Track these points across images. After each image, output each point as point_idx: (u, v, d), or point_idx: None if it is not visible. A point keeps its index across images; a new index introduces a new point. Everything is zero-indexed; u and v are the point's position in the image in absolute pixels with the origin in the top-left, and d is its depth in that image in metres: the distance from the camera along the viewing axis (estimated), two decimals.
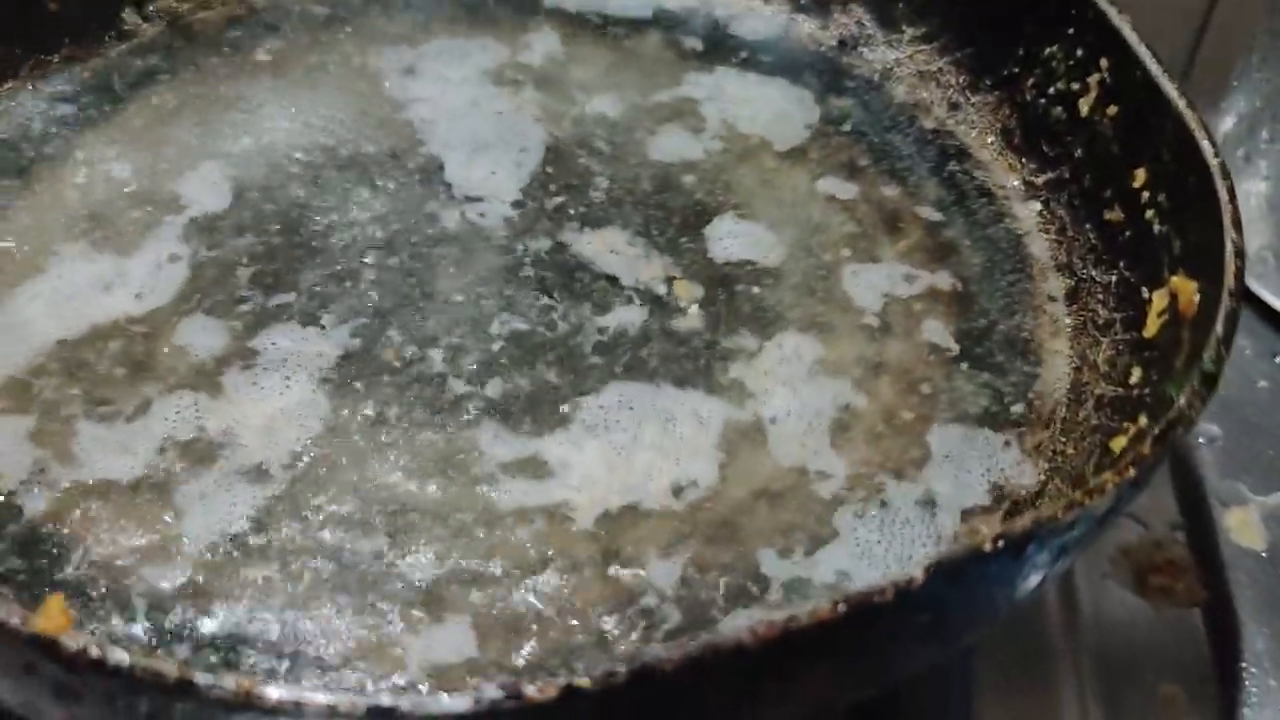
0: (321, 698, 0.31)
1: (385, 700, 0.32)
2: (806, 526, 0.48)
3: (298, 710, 0.32)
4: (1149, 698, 0.56)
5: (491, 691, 0.32)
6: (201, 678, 0.31)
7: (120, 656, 0.32)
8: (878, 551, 0.47)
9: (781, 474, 0.50)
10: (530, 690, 0.32)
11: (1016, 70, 0.65)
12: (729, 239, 0.59)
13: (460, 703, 0.32)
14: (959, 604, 0.37)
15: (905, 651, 0.39)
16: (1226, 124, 0.73)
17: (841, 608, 0.34)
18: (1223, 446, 0.65)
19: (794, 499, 0.49)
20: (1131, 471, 0.39)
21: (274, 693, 0.31)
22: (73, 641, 0.32)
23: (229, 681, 0.31)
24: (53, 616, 0.32)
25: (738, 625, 0.33)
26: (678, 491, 0.49)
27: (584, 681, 0.32)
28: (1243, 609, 0.58)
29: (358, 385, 0.52)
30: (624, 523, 0.48)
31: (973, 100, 0.67)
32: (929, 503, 0.49)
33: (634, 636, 0.44)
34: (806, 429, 0.52)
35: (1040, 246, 0.60)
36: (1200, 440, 0.66)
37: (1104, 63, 0.59)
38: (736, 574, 0.46)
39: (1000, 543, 0.36)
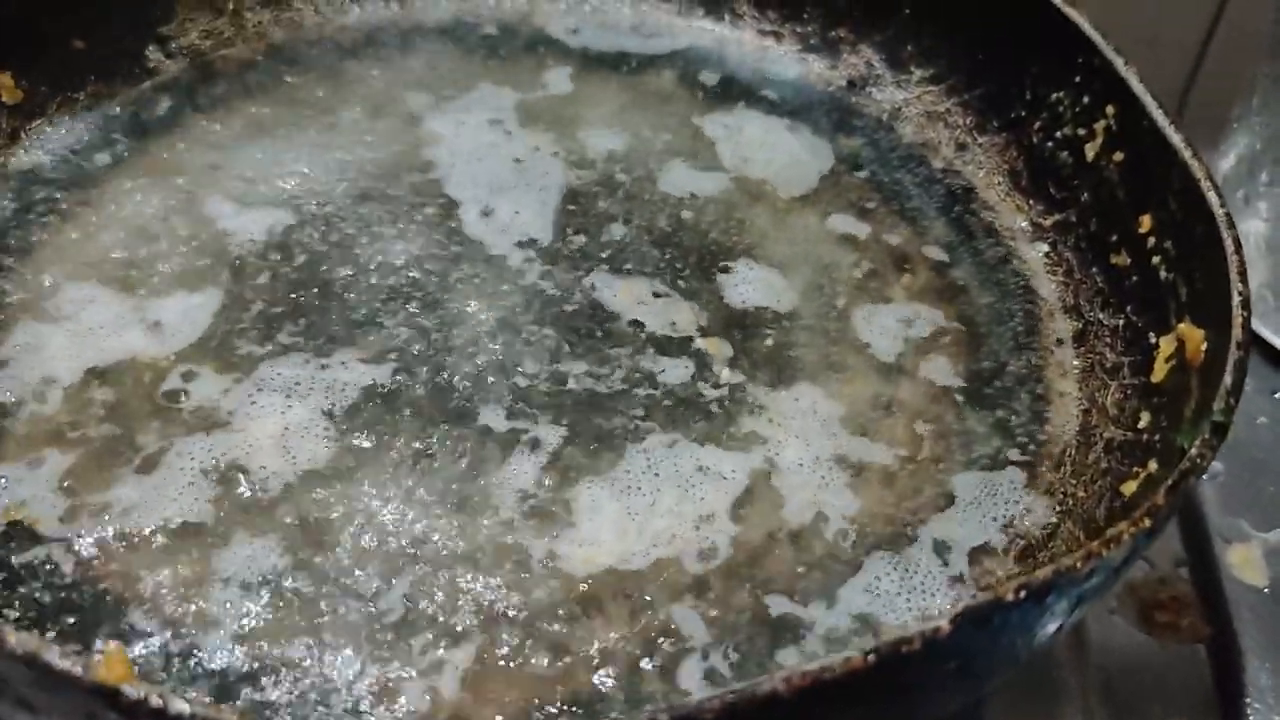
0: None
1: None
2: (826, 570, 0.49)
3: None
4: None
5: None
6: None
7: (181, 706, 0.33)
8: (895, 594, 0.49)
9: (797, 521, 0.51)
10: None
11: (1023, 114, 0.66)
12: (744, 284, 0.61)
13: None
14: (983, 651, 0.38)
15: (932, 697, 0.40)
16: (1225, 165, 0.75)
17: (872, 658, 0.35)
18: (1225, 483, 0.67)
19: (810, 545, 0.50)
20: (1147, 522, 0.40)
21: None
22: (135, 691, 0.33)
23: None
24: (114, 666, 0.33)
25: (773, 675, 0.34)
26: (697, 542, 0.50)
27: None
28: (1246, 645, 0.60)
29: (381, 427, 0.53)
30: (643, 571, 0.49)
31: (980, 141, 0.68)
32: (942, 544, 0.51)
33: (657, 683, 0.45)
34: (820, 475, 0.53)
35: (1048, 288, 0.62)
36: (1203, 478, 0.67)
37: (1110, 110, 0.61)
38: (756, 622, 0.48)
39: (1022, 593, 0.37)
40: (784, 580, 0.49)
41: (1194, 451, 0.42)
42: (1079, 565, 0.38)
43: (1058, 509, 0.52)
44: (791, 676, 0.34)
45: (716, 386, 0.55)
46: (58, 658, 0.33)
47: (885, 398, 0.56)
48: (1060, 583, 0.38)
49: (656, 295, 0.59)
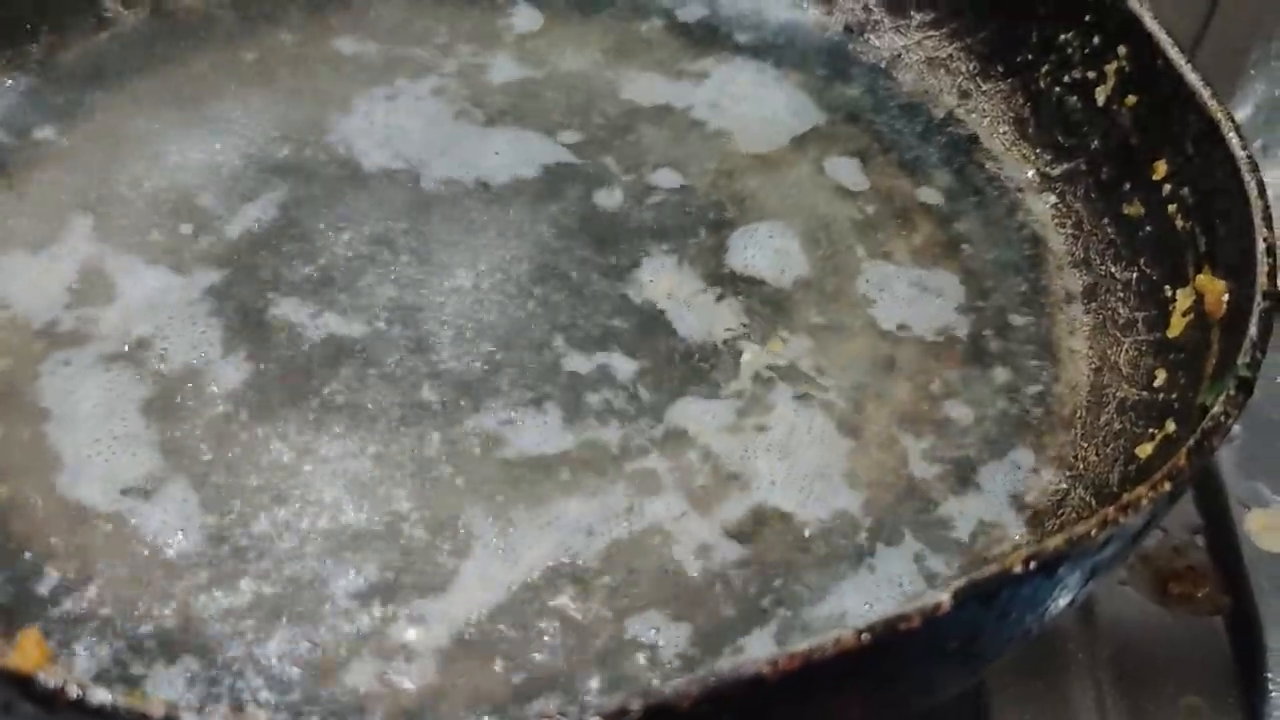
0: None
1: None
2: (829, 543, 0.46)
3: None
4: (1170, 709, 0.54)
5: None
6: (186, 717, 0.29)
7: (102, 695, 0.30)
8: (906, 566, 0.46)
9: (798, 487, 0.48)
10: None
11: (1030, 57, 0.62)
12: (745, 239, 0.57)
13: None
14: (988, 629, 0.35)
15: (932, 680, 0.37)
16: (1243, 113, 0.71)
17: (866, 637, 0.32)
18: (1242, 446, 0.63)
19: (813, 513, 0.47)
20: (1167, 485, 0.37)
21: None
22: (50, 679, 0.30)
23: (215, 718, 0.30)
24: (29, 652, 0.30)
25: (757, 658, 0.31)
26: (702, 520, 0.47)
27: (596, 718, 0.30)
28: (1266, 616, 0.57)
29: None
30: (633, 551, 0.46)
31: (984, 88, 0.65)
32: (948, 511, 0.48)
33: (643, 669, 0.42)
34: (822, 436, 0.50)
35: (1056, 241, 0.58)
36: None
37: (1122, 50, 0.57)
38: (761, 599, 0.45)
39: (1032, 564, 0.34)
40: (782, 550, 0.46)
41: (1217, 409, 0.39)
42: (1093, 533, 0.35)
43: (1068, 474, 0.49)
44: (778, 658, 0.31)
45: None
46: None
47: (886, 356, 0.53)
48: (1073, 553, 0.35)
49: (667, 271, 0.56)
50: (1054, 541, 0.34)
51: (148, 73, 0.63)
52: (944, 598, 0.33)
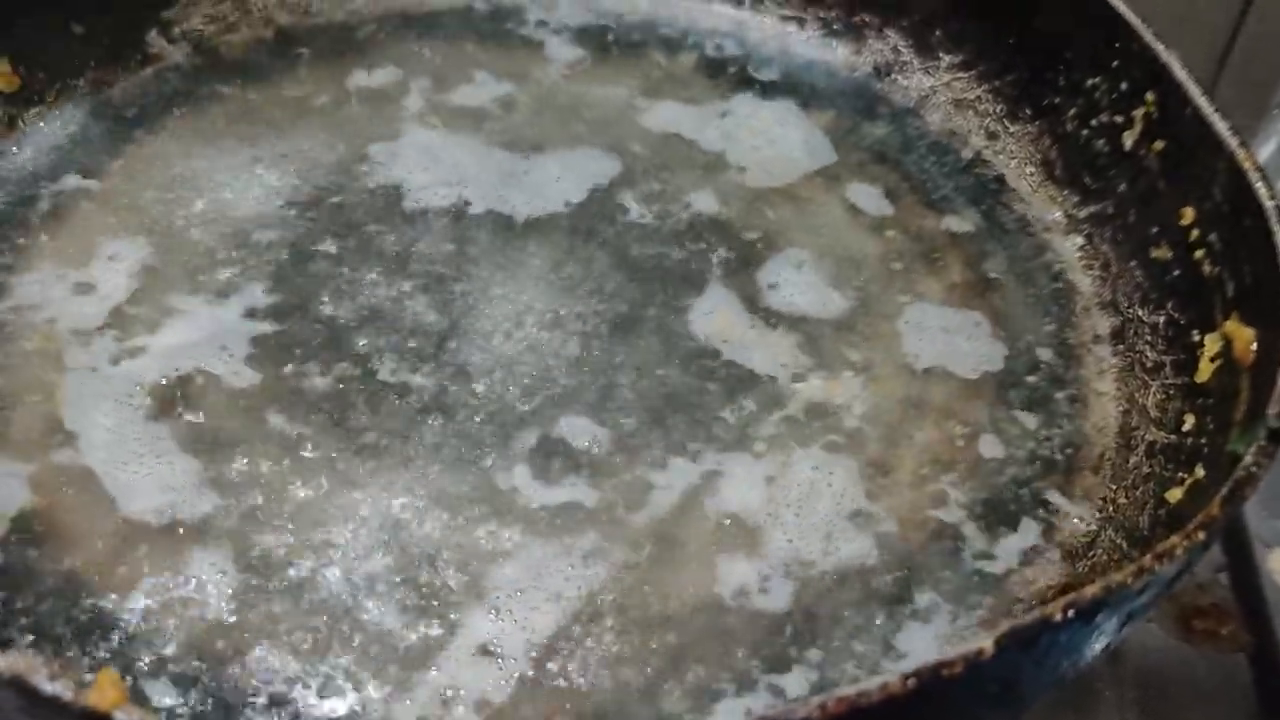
0: None
1: None
2: (864, 586, 0.47)
3: None
4: None
5: None
6: None
7: None
8: (929, 607, 0.47)
9: (824, 530, 0.49)
10: None
11: (1058, 101, 0.64)
12: (775, 277, 0.58)
13: None
14: (1028, 673, 0.36)
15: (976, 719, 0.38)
16: (1265, 151, 0.72)
17: (912, 682, 0.33)
18: (1265, 486, 0.64)
19: (844, 554, 0.48)
20: (1201, 535, 0.38)
21: None
22: (127, 717, 0.31)
23: None
24: (106, 691, 0.31)
25: (808, 701, 0.32)
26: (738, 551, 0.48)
27: None
28: None
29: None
30: (666, 589, 0.47)
31: (1011, 130, 0.66)
32: (979, 551, 0.49)
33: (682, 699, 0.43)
34: (853, 476, 0.51)
35: (1084, 283, 0.60)
36: None
37: (1150, 97, 0.58)
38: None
39: (1071, 612, 0.35)
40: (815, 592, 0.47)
41: (1249, 460, 0.40)
42: (1130, 581, 0.36)
43: (1098, 515, 0.50)
44: (826, 702, 0.32)
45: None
46: (46, 682, 0.31)
47: (916, 396, 0.54)
48: (1111, 600, 0.36)
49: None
50: (1092, 590, 0.35)
51: (192, 108, 0.64)
52: (986, 644, 0.34)
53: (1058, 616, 0.35)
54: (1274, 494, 0.62)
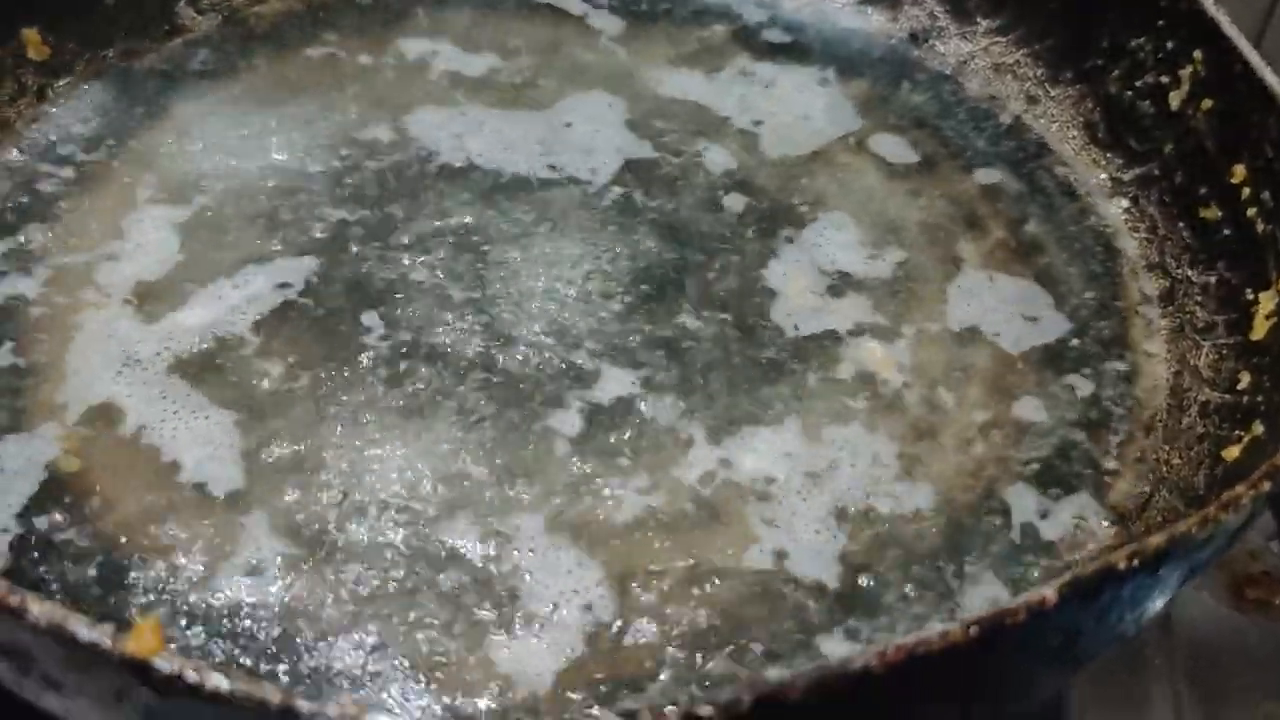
0: None
1: None
2: (901, 544, 0.46)
3: None
4: (1247, 715, 0.54)
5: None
6: (303, 705, 0.30)
7: (219, 681, 0.30)
8: (988, 571, 0.45)
9: (881, 489, 0.48)
10: (648, 718, 0.30)
11: (1100, 63, 0.62)
12: (818, 239, 0.57)
13: None
14: (1089, 625, 0.35)
15: (1033, 676, 0.37)
16: None
17: (974, 630, 0.32)
18: None
19: (894, 512, 0.47)
20: (1267, 485, 0.37)
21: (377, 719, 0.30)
22: (167, 664, 0.30)
23: (332, 709, 0.30)
24: (146, 638, 0.30)
25: (867, 650, 0.31)
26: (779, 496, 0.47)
27: (706, 710, 0.30)
28: None
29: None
30: (711, 539, 0.46)
31: (1052, 94, 0.65)
32: (1031, 512, 0.47)
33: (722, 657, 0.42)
34: (898, 439, 0.50)
35: (1130, 245, 0.58)
36: None
37: (1197, 55, 0.57)
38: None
39: (1135, 561, 0.34)
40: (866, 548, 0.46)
41: None
42: (1194, 530, 0.35)
43: (1151, 477, 0.49)
44: (885, 650, 0.31)
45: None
46: (85, 629, 0.31)
47: (963, 361, 0.53)
48: (1175, 551, 0.34)
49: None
50: (1156, 539, 0.34)
51: (221, 76, 0.64)
52: (1049, 593, 0.33)
53: (1122, 565, 0.34)
54: None
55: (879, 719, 0.33)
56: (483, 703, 0.40)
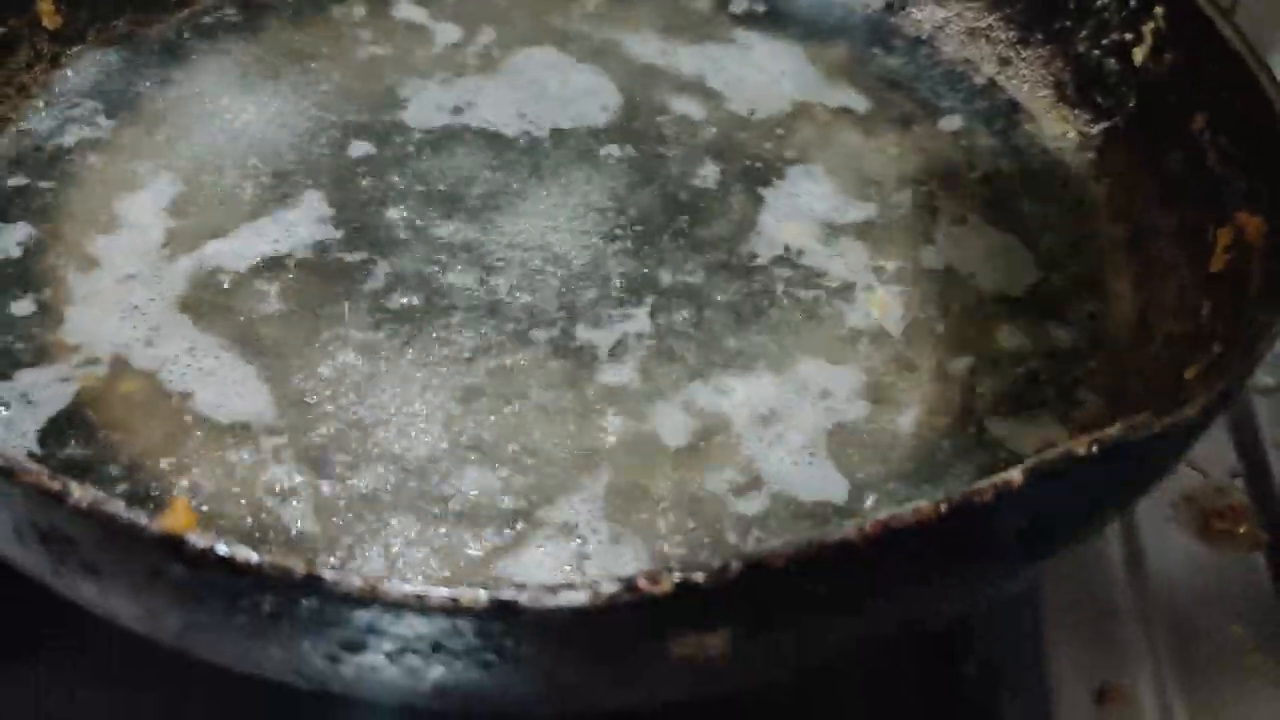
0: (445, 591, 0.32)
1: (506, 595, 0.32)
2: (887, 462, 0.49)
3: (420, 604, 0.32)
4: (1217, 638, 0.56)
5: (608, 585, 0.33)
6: (328, 573, 0.32)
7: (248, 554, 0.32)
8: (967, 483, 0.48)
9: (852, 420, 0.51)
10: (645, 583, 0.33)
11: (1068, 23, 0.65)
12: (796, 189, 0.60)
13: (578, 596, 0.32)
14: (1054, 509, 0.38)
15: (1002, 560, 0.39)
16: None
17: (944, 507, 0.34)
18: (1277, 396, 0.66)
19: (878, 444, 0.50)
20: (1220, 383, 0.39)
21: (399, 588, 0.32)
22: (201, 540, 0.32)
23: (354, 578, 0.32)
24: (179, 515, 0.33)
25: (844, 526, 0.34)
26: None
27: (698, 576, 0.33)
28: None
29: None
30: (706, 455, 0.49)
31: (1024, 55, 0.67)
32: (1003, 434, 0.50)
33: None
34: (874, 377, 0.52)
35: (1098, 195, 0.61)
36: (1256, 392, 0.66)
37: (1158, 10, 0.60)
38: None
39: (1095, 447, 0.36)
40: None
41: (1264, 318, 0.41)
42: (1153, 423, 0.37)
43: (1117, 401, 0.51)
44: (865, 525, 0.34)
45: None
46: (124, 509, 0.33)
47: (938, 301, 0.55)
48: (1132, 439, 0.37)
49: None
50: (1116, 428, 0.37)
51: (227, 46, 0.66)
52: (1015, 474, 0.35)
53: (1081, 451, 0.36)
54: None
55: (864, 588, 0.36)
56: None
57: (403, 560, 0.44)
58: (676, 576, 0.33)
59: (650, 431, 0.49)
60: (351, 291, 0.54)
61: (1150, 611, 0.57)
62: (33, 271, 0.54)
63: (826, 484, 0.48)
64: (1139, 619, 0.57)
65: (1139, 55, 0.61)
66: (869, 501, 0.47)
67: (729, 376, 0.52)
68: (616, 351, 0.52)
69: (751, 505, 0.47)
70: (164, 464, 0.46)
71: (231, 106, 0.62)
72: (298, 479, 0.47)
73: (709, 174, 0.61)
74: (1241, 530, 0.60)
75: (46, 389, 0.49)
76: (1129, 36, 0.62)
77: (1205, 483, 0.62)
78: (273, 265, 0.55)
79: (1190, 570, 0.59)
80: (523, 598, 0.32)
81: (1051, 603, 0.56)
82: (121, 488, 0.45)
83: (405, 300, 0.54)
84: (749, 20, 0.71)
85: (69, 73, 0.63)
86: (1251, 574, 0.59)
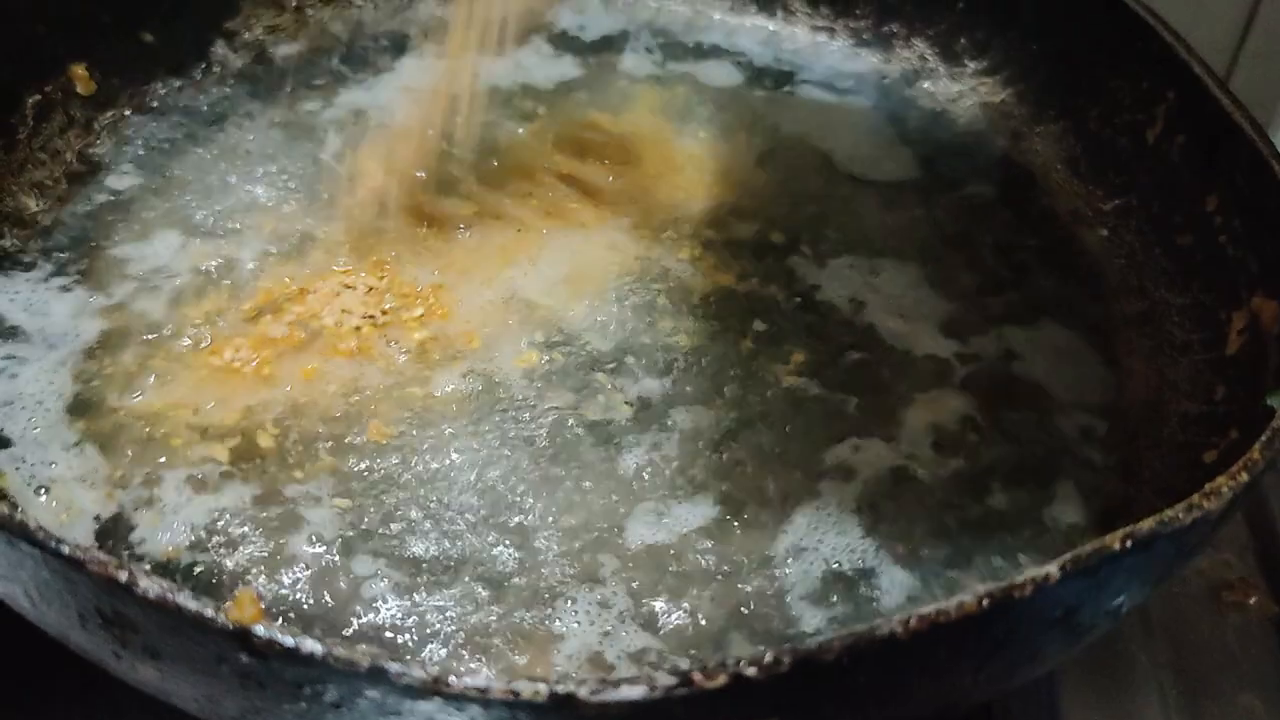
0: (507, 686, 0.33)
1: (565, 689, 0.33)
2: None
3: (483, 698, 0.33)
4: (1229, 707, 0.57)
5: (665, 679, 0.33)
6: (392, 666, 0.33)
7: (313, 646, 0.33)
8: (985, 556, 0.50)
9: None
10: (700, 678, 0.33)
11: (1081, 102, 0.67)
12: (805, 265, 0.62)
13: (635, 691, 0.33)
14: (1088, 599, 0.39)
15: (1038, 646, 0.40)
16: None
17: (985, 601, 0.35)
18: None
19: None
20: (1244, 476, 0.40)
21: (461, 681, 0.33)
22: (267, 632, 0.33)
23: (418, 670, 0.33)
24: (245, 608, 0.34)
25: (890, 619, 0.35)
26: None
27: (750, 670, 0.34)
28: None
29: None
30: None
31: (1037, 130, 0.69)
32: (1027, 518, 0.51)
33: None
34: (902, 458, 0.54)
35: (1111, 271, 0.62)
36: None
37: (1170, 94, 0.61)
38: None
39: (1129, 542, 0.38)
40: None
41: None
42: (1181, 515, 0.39)
43: (1135, 481, 0.53)
44: (909, 619, 0.35)
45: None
46: (190, 601, 0.34)
47: (954, 389, 0.57)
48: (1164, 532, 0.38)
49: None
50: (1147, 523, 0.38)
51: (253, 110, 0.68)
52: (1053, 569, 0.36)
53: (1116, 546, 0.37)
54: None
55: (906, 678, 0.37)
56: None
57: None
58: (731, 670, 0.33)
59: None
60: None
61: (1164, 683, 0.58)
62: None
63: None
64: (1154, 692, 0.58)
65: (1151, 136, 0.63)
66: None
67: None
68: None
69: None
70: None
71: (242, 174, 0.64)
72: None
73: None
74: (1252, 601, 0.61)
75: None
76: (1141, 116, 0.63)
77: (1215, 558, 0.63)
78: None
79: (1202, 641, 0.60)
80: (581, 691, 0.33)
81: (1068, 675, 0.57)
82: None
83: None
84: (765, 89, 0.73)
85: (100, 139, 0.64)
86: (1263, 643, 0.60)
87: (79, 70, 0.64)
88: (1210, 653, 0.60)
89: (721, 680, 0.33)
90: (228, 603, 0.34)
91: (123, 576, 0.34)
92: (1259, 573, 0.63)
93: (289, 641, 0.33)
